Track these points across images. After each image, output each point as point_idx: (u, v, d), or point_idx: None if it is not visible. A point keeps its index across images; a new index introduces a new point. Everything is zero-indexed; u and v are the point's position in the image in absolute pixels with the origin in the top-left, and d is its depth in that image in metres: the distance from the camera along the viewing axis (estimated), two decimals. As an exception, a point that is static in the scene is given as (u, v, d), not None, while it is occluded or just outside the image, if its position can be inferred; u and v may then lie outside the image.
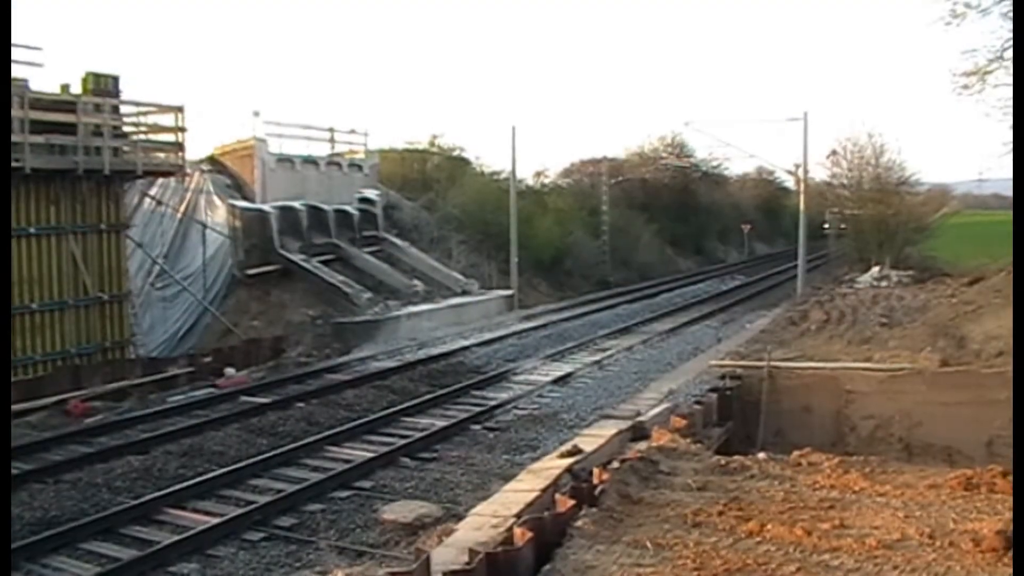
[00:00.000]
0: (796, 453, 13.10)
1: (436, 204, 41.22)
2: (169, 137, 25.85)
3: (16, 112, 20.38)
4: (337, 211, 33.90)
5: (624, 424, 13.83)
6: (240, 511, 12.61)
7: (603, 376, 21.85)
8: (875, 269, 35.95)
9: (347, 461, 14.95)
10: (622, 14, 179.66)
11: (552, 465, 11.66)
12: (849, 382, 17.23)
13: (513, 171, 38.20)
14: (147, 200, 27.68)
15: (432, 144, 46.66)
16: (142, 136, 25.66)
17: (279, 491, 13.47)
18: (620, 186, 52.39)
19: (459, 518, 10.84)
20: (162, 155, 25.87)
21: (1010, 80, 22.76)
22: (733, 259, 62.87)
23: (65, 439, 16.48)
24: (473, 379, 21.53)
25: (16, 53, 20.31)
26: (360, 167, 37.41)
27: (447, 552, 8.40)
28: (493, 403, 19.03)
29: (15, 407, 17.60)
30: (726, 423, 16.86)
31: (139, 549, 11.40)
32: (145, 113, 26.03)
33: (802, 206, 38.75)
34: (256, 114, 33.02)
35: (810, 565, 7.92)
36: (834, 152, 42.86)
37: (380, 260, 34.01)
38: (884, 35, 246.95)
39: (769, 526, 8.89)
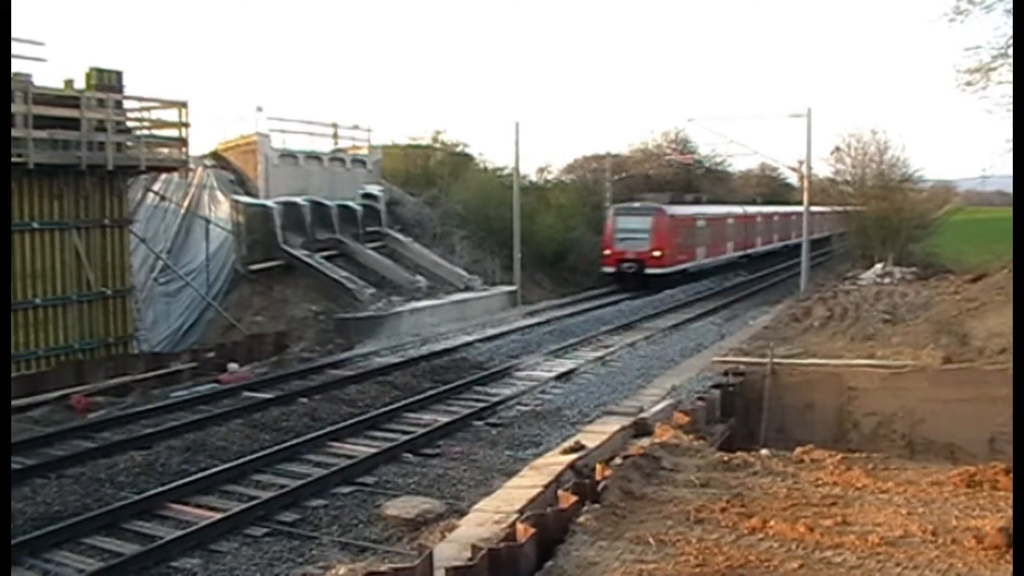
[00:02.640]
0: (799, 450, 13.10)
1: (439, 200, 41.24)
2: (172, 132, 25.85)
3: (20, 107, 20.40)
4: (340, 207, 33.90)
5: (627, 420, 13.85)
6: (243, 506, 12.64)
7: (606, 372, 21.85)
8: (878, 266, 35.93)
9: (350, 457, 14.97)
10: (626, 10, 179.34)
11: (555, 461, 11.68)
12: (852, 379, 17.24)
13: (516, 167, 38.23)
14: (150, 195, 27.71)
15: (435, 140, 46.71)
16: (145, 131, 25.67)
17: (282, 486, 13.49)
18: (623, 182, 52.36)
19: (462, 514, 10.87)
20: (165, 150, 25.89)
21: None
22: (736, 255, 62.80)
23: (68, 434, 16.49)
24: (476, 375, 21.52)
25: (20, 48, 20.34)
26: (363, 163, 37.41)
27: (449, 548, 8.42)
28: (496, 399, 19.02)
29: (18, 402, 17.62)
30: (729, 419, 16.88)
31: (142, 544, 11.43)
32: (148, 108, 26.04)
33: (806, 203, 38.73)
34: (259, 109, 33.07)
35: (812, 562, 7.92)
36: (837, 149, 42.93)
37: (383, 256, 34.03)
38: (888, 31, 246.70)
39: (772, 523, 8.89)
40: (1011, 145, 23.31)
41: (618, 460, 11.07)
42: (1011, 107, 23.47)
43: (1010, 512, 8.77)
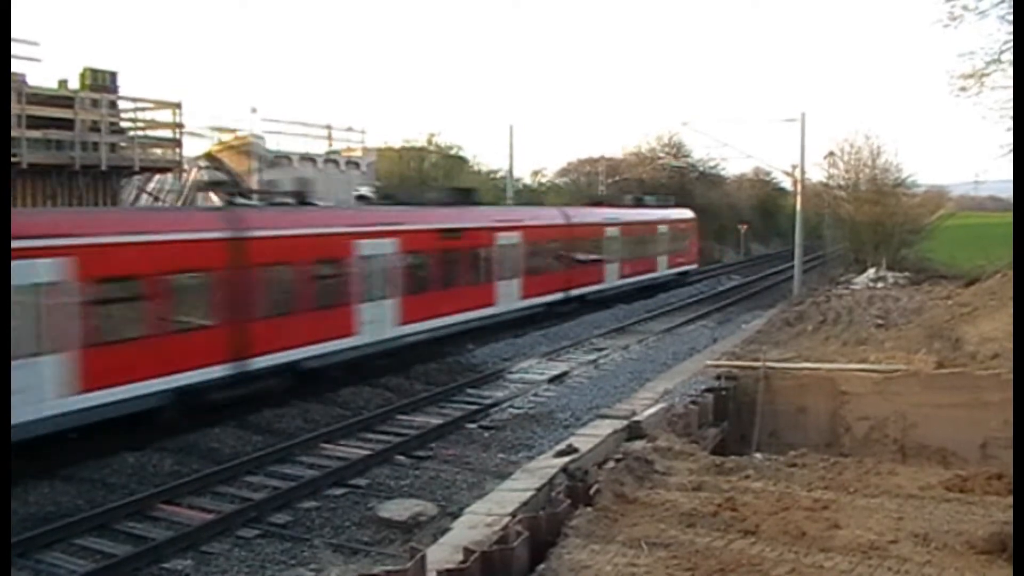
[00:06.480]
0: (791, 453, 13.15)
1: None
2: (166, 133, 25.83)
3: (14, 107, 20.36)
4: (334, 208, 33.83)
5: (619, 423, 13.85)
6: (235, 508, 12.62)
7: (599, 375, 21.84)
8: (871, 270, 36.00)
9: (343, 459, 14.95)
10: (621, 13, 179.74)
11: (547, 464, 11.68)
12: (844, 383, 17.26)
13: (510, 169, 38.34)
14: (144, 196, 27.66)
15: (429, 142, 46.79)
16: (139, 132, 25.64)
17: (275, 488, 13.48)
18: (617, 185, 52.47)
19: (454, 516, 10.87)
20: (159, 151, 25.87)
21: (1007, 82, 22.80)
22: (730, 259, 62.89)
23: (61, 435, 16.40)
24: (469, 377, 21.53)
25: (14, 48, 20.30)
26: (357, 164, 37.42)
27: (442, 550, 8.42)
28: (489, 402, 19.03)
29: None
30: (721, 423, 16.90)
31: (134, 545, 11.41)
32: (142, 109, 26.02)
33: (799, 207, 38.78)
34: (253, 111, 33.20)
35: (803, 566, 7.94)
36: (831, 153, 43.01)
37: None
38: (882, 37, 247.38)
39: (763, 526, 8.92)
40: (1006, 150, 23.44)
41: (611, 463, 11.09)
42: (1005, 112, 23.60)
43: (1001, 517, 8.81)
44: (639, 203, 41.49)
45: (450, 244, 23.88)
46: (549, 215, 32.21)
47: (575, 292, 31.18)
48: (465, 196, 28.53)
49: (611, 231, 34.93)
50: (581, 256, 31.84)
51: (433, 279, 23.12)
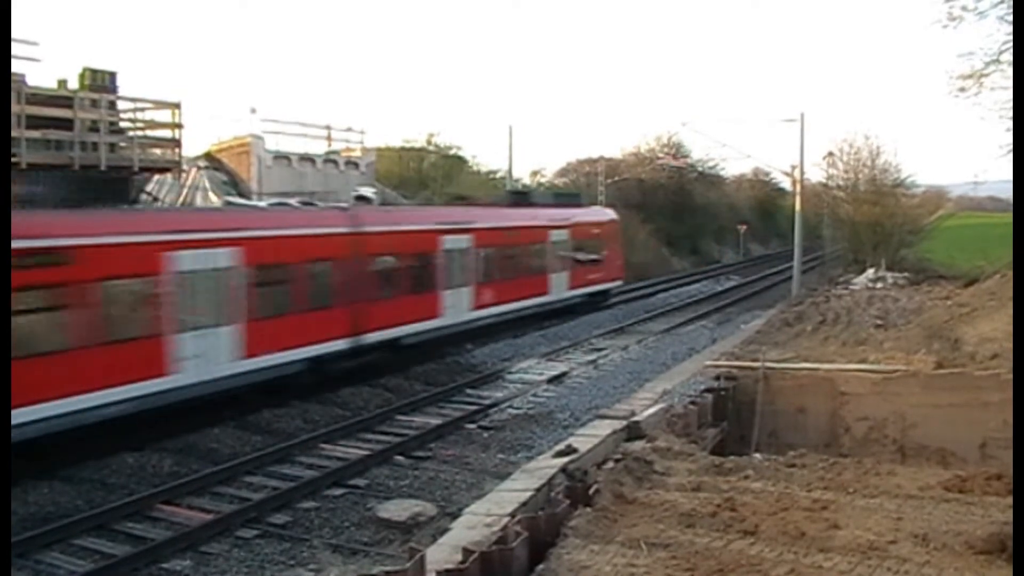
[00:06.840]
0: (790, 454, 13.16)
1: (432, 202, 41.30)
2: (166, 133, 25.79)
3: (13, 107, 20.33)
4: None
5: (619, 424, 13.85)
6: (234, 508, 12.62)
7: (598, 376, 21.84)
8: (870, 271, 35.98)
9: (342, 459, 14.95)
10: (620, 13, 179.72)
11: (546, 464, 11.69)
12: (844, 383, 17.27)
13: (510, 170, 38.30)
14: (143, 196, 27.63)
15: (429, 142, 46.75)
16: (139, 132, 25.60)
17: (274, 488, 13.48)
18: (616, 186, 52.41)
19: (453, 517, 10.87)
20: (159, 151, 25.81)
21: (1007, 83, 22.82)
22: (729, 259, 62.86)
23: (60, 435, 16.39)
24: (468, 378, 21.53)
25: (14, 48, 20.28)
26: (357, 164, 37.40)
27: (441, 551, 8.42)
28: (488, 402, 19.04)
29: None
30: (721, 424, 16.90)
31: (133, 546, 11.41)
32: (142, 109, 25.97)
33: (798, 207, 38.77)
34: (253, 111, 33.05)
35: (803, 567, 7.95)
36: (830, 154, 42.94)
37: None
38: (882, 37, 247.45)
39: (762, 527, 8.92)
40: (1005, 150, 23.45)
41: (610, 464, 11.10)
42: (1004, 112, 23.61)
43: (1000, 517, 8.82)
44: (522, 200, 32.08)
45: (45, 276, 13.89)
46: (315, 219, 21.24)
47: (376, 336, 20.85)
48: (117, 191, 17.54)
49: (454, 241, 24.26)
50: (391, 280, 22.17)
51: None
